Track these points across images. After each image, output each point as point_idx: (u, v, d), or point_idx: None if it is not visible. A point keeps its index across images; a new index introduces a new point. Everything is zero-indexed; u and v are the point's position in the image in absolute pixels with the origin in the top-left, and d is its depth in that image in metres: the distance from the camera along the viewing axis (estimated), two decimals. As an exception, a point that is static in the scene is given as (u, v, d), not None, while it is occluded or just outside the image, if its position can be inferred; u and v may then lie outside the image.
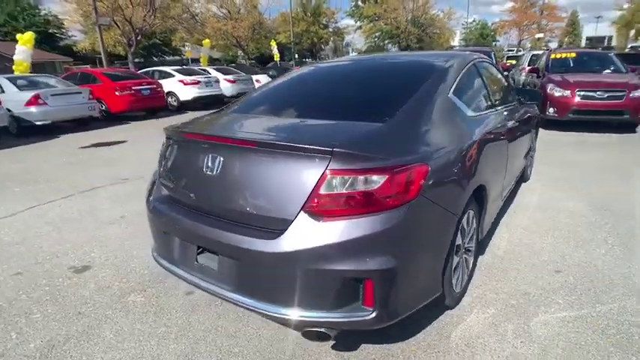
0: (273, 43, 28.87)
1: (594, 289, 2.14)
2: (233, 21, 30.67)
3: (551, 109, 7.15)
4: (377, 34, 42.36)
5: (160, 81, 11.36)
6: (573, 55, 8.35)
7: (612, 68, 7.70)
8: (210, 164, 1.71)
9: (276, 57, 28.16)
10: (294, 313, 1.58)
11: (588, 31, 48.43)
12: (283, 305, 1.60)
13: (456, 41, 45.95)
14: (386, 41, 42.62)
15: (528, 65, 10.25)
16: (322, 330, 1.59)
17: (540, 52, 12.25)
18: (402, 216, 1.52)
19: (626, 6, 32.20)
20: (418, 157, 1.61)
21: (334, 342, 1.80)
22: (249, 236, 1.60)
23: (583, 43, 41.78)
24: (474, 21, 46.32)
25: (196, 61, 26.91)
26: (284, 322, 1.81)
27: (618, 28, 34.84)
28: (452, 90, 2.10)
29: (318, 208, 1.51)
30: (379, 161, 1.53)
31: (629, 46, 14.65)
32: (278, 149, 1.59)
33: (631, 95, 6.47)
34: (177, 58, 37.34)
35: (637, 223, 2.96)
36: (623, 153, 5.38)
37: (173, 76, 12.06)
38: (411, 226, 1.56)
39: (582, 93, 6.74)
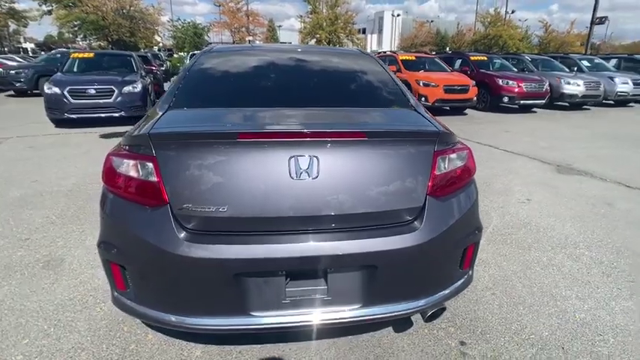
0: None
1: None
2: None
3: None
4: (76, 22, 34.87)
5: None
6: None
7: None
8: (301, 167, 1.45)
9: None
10: (428, 301, 1.66)
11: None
12: (419, 297, 1.65)
13: (165, 39, 44.87)
14: (88, 33, 35.92)
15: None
16: (443, 306, 1.74)
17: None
18: (474, 182, 1.82)
19: (307, 20, 41.53)
20: None
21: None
22: (384, 236, 1.51)
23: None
24: (178, 19, 46.13)
25: None
26: (405, 316, 1.77)
27: (303, 36, 44.25)
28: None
29: (436, 189, 1.60)
30: (457, 140, 1.74)
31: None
32: (388, 137, 1.61)
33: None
34: None
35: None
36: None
37: None
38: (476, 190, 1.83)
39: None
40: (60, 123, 7.89)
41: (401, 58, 11.14)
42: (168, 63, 22.67)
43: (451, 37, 51.05)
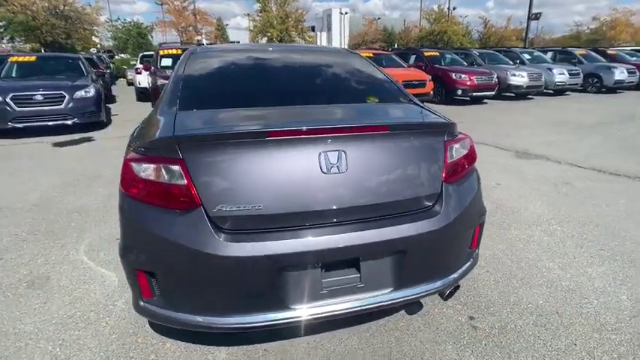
0: None
1: None
2: None
3: None
4: (1, 23, 31.84)
5: None
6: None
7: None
8: (331, 161, 1.50)
9: None
10: (449, 280, 1.79)
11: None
12: (442, 277, 1.78)
13: (104, 40, 42.31)
14: (17, 34, 33.00)
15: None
16: (458, 284, 1.88)
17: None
18: (475, 169, 1.98)
19: (257, 18, 41.08)
20: None
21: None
22: (412, 222, 1.61)
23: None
24: (118, 19, 43.60)
25: None
26: (430, 295, 1.82)
27: (254, 34, 43.71)
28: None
29: (449, 175, 1.74)
30: (458, 130, 1.88)
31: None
32: (408, 130, 1.71)
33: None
34: None
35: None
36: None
37: None
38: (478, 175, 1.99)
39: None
40: (3, 133, 7.24)
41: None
42: (112, 65, 21.39)
43: (398, 33, 52.70)
